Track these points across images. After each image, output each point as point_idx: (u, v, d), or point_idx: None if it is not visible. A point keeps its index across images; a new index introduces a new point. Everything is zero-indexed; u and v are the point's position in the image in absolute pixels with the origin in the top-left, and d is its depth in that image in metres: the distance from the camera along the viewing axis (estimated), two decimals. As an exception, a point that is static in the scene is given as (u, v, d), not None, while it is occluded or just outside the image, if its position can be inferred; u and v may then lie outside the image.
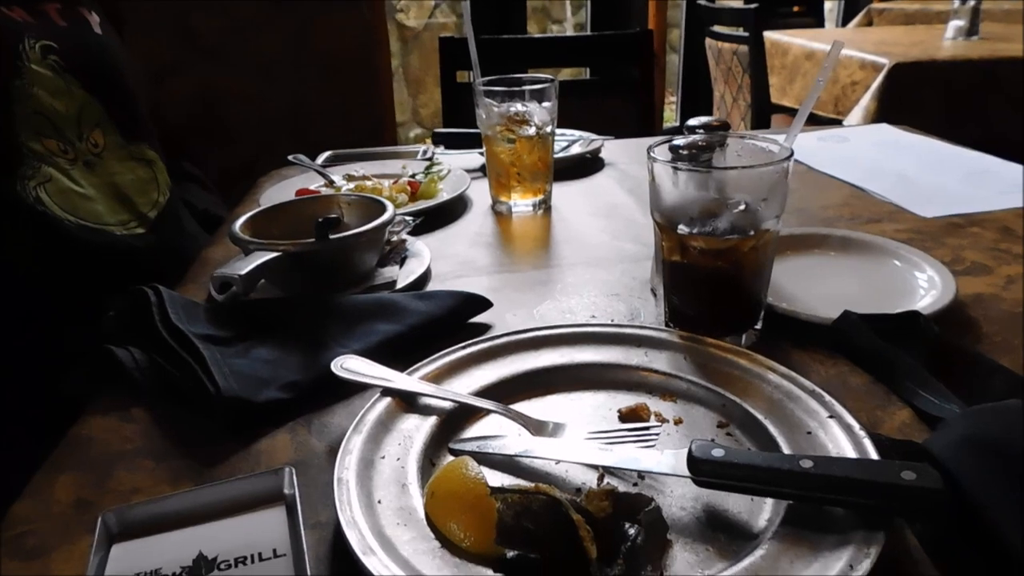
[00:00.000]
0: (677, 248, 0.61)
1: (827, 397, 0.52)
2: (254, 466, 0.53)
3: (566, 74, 3.09)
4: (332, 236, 0.71)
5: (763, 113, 2.72)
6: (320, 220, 0.71)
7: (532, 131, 0.95)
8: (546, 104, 0.96)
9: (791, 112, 2.87)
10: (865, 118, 2.30)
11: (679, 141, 0.65)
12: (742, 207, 0.59)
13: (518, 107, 0.94)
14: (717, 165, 0.65)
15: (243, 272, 0.66)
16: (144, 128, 1.05)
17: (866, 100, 2.32)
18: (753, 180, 0.59)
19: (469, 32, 0.98)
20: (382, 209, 0.78)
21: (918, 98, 2.33)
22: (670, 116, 4.35)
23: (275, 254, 0.70)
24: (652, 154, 0.60)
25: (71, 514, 0.49)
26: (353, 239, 0.73)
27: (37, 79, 0.89)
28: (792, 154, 0.58)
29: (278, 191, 1.07)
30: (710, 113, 3.15)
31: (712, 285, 0.62)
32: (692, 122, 0.78)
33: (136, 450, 0.55)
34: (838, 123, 2.44)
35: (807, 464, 0.42)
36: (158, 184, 1.04)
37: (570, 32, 5.18)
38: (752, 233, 0.59)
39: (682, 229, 0.60)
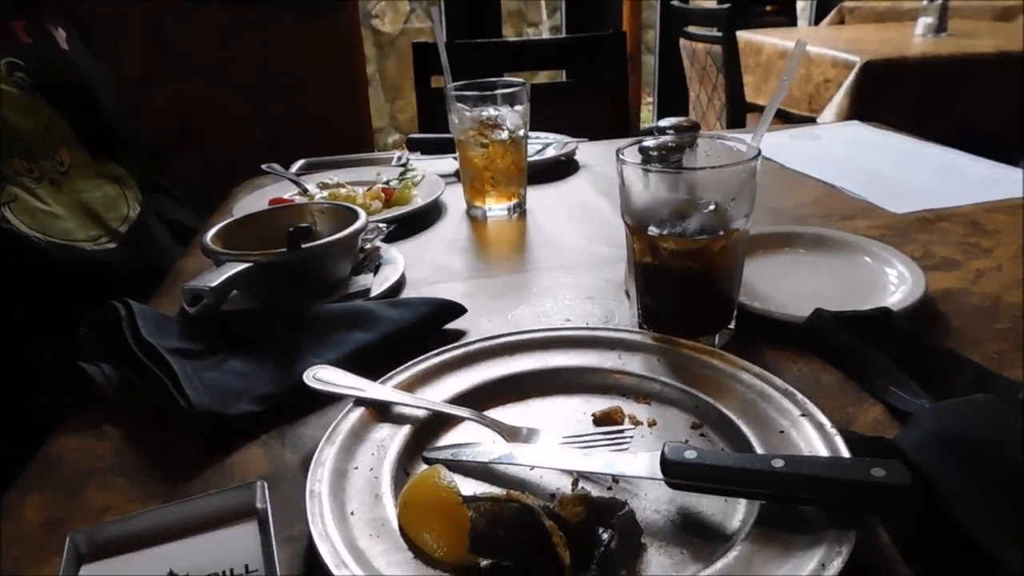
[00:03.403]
0: (648, 250, 0.61)
1: (799, 396, 0.52)
2: (228, 480, 0.52)
3: (543, 77, 3.10)
4: (304, 246, 0.71)
5: (738, 112, 2.74)
6: (291, 230, 0.70)
7: (505, 135, 0.95)
8: (518, 108, 0.96)
9: (766, 111, 2.89)
10: (838, 115, 2.33)
11: (649, 142, 0.65)
12: (712, 207, 0.60)
13: (490, 111, 0.94)
14: (686, 166, 0.65)
15: (214, 284, 0.65)
16: (113, 145, 1.04)
17: (839, 97, 2.35)
18: (722, 180, 0.59)
19: (440, 37, 0.98)
20: (355, 217, 0.78)
21: (890, 95, 2.36)
22: (647, 116, 4.38)
23: (246, 265, 0.69)
24: (621, 156, 0.60)
25: (41, 535, 0.48)
26: (325, 248, 0.73)
27: (3, 97, 0.88)
28: (759, 153, 0.58)
29: (252, 200, 1.06)
30: (686, 112, 3.17)
31: (684, 286, 0.63)
32: (662, 123, 0.78)
33: (108, 468, 0.55)
34: (812, 120, 2.46)
35: (778, 464, 0.42)
36: (127, 199, 1.03)
37: (546, 34, 5.19)
38: (722, 233, 0.59)
39: (652, 231, 0.60)
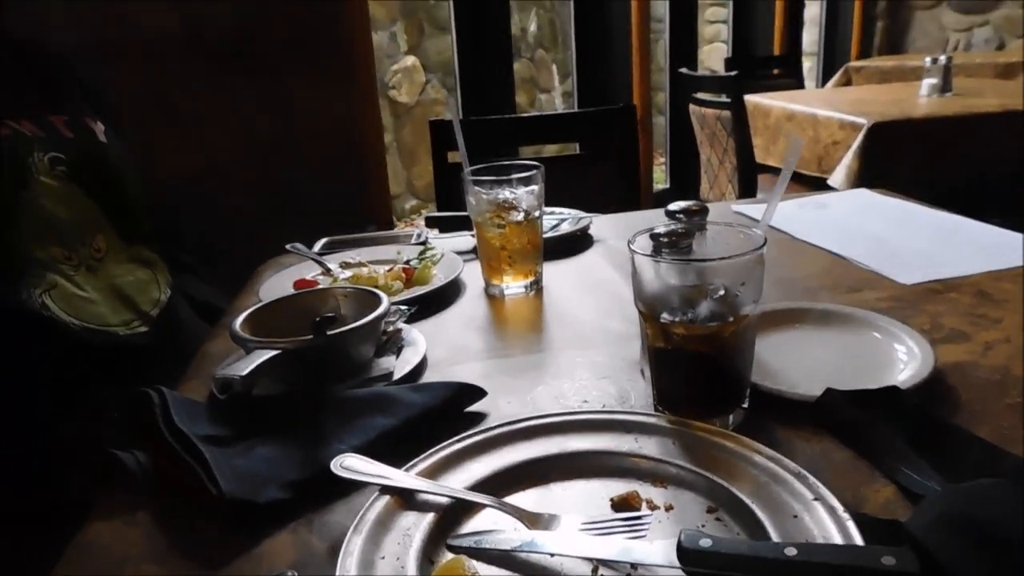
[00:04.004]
0: (661, 335, 0.64)
1: (811, 479, 0.54)
2: (256, 568, 0.54)
3: (553, 150, 3.18)
4: (329, 332, 0.74)
5: (749, 174, 2.79)
6: (317, 319, 0.73)
7: (521, 216, 0.99)
8: (533, 189, 1.00)
9: (776, 171, 2.94)
10: (848, 176, 2.37)
11: (659, 229, 0.68)
12: (721, 292, 0.62)
13: (506, 194, 0.98)
14: (696, 250, 0.68)
15: (244, 373, 0.68)
16: (144, 230, 1.08)
17: (848, 159, 2.39)
18: (730, 268, 0.62)
19: (457, 125, 1.02)
20: (377, 302, 0.81)
21: (898, 155, 2.40)
22: (660, 176, 4.46)
23: (275, 352, 0.72)
24: (632, 247, 0.63)
25: (79, 625, 0.50)
26: (350, 334, 0.75)
27: (44, 189, 0.93)
28: (765, 243, 0.61)
29: (277, 281, 1.09)
30: (697, 172, 3.23)
31: (697, 369, 0.65)
32: (672, 207, 0.81)
33: (140, 555, 0.56)
34: (822, 181, 2.51)
35: (791, 552, 0.44)
36: (158, 283, 1.07)
37: (558, 100, 5.33)
38: (732, 319, 0.62)
39: (665, 318, 0.62)
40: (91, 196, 1.01)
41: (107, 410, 0.71)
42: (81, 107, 1.09)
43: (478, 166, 1.01)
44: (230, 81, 2.16)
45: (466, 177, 1.00)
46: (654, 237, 0.67)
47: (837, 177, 2.42)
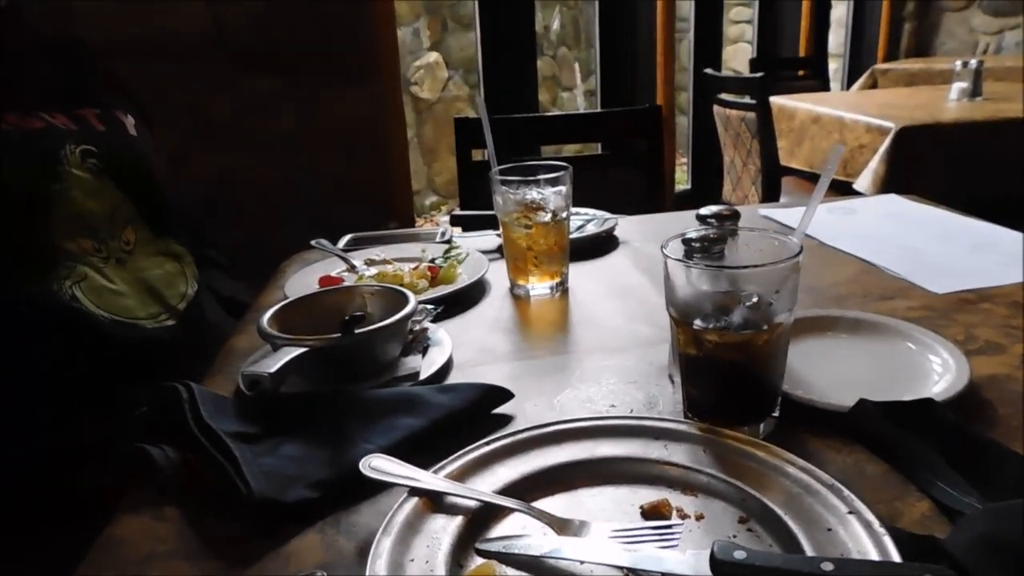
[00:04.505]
0: (692, 341, 0.63)
1: (846, 492, 0.53)
2: (284, 567, 0.54)
3: (574, 148, 3.17)
4: (357, 331, 0.74)
5: (773, 177, 2.76)
6: (347, 318, 0.73)
7: (548, 217, 0.98)
8: (561, 189, 0.99)
9: (800, 174, 2.92)
10: (875, 180, 2.34)
11: (691, 234, 0.67)
12: (754, 299, 0.61)
13: (533, 195, 0.97)
14: (728, 256, 0.67)
15: (272, 370, 0.68)
16: (172, 224, 1.09)
17: (875, 163, 2.37)
18: (764, 275, 0.61)
19: (486, 127, 1.02)
20: (404, 301, 0.80)
21: (926, 160, 2.37)
22: (681, 177, 4.44)
23: (303, 350, 0.72)
24: (665, 252, 0.62)
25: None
26: (378, 333, 0.75)
27: (76, 182, 0.94)
28: (801, 251, 0.60)
29: (301, 277, 1.10)
30: (720, 174, 3.20)
31: (728, 377, 0.64)
32: (703, 211, 0.81)
33: (168, 552, 0.57)
34: (848, 185, 2.48)
35: (828, 567, 0.43)
36: (186, 277, 1.08)
37: (580, 99, 5.31)
38: (766, 327, 0.61)
39: (697, 324, 0.62)
40: (121, 189, 1.02)
41: (134, 404, 0.71)
42: (112, 100, 1.10)
43: (505, 165, 1.00)
44: (254, 79, 2.17)
45: (493, 177, 0.99)
46: (686, 242, 0.67)
47: (863, 181, 2.39)
